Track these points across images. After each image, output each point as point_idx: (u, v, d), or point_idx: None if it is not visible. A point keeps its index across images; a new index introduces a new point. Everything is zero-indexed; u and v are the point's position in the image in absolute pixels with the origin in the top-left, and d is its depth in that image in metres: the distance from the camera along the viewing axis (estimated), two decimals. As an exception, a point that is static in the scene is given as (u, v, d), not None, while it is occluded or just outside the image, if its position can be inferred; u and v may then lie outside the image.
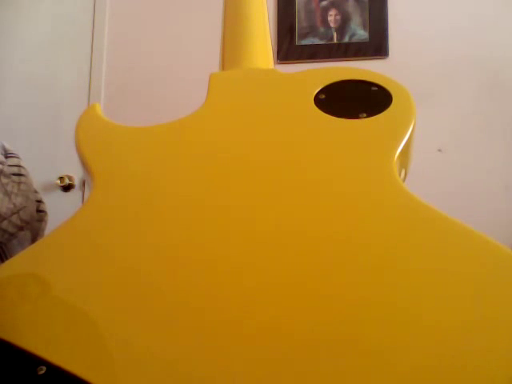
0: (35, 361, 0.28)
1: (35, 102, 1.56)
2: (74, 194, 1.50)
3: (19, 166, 0.53)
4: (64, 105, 1.55)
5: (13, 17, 1.61)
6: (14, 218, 0.50)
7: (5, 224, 0.49)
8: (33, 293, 0.34)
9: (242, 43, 0.54)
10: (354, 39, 1.47)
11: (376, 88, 0.44)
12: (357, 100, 0.44)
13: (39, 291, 0.34)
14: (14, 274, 0.35)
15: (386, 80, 0.45)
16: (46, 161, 1.49)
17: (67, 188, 1.49)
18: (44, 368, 0.28)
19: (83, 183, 1.49)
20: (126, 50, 1.57)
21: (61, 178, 1.47)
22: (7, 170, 0.51)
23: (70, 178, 1.49)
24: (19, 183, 0.51)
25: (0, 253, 0.49)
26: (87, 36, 1.58)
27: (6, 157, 0.53)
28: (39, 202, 0.56)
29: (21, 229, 0.51)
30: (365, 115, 0.42)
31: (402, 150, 0.39)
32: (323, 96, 0.45)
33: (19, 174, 0.53)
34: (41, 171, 1.45)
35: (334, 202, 0.36)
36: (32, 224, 0.53)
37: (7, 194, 0.49)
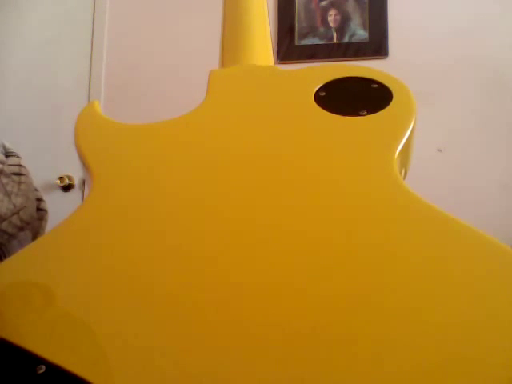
0: (34, 360, 0.28)
1: (35, 102, 1.56)
2: (74, 193, 1.50)
3: (19, 165, 0.53)
4: (64, 105, 1.56)
5: (13, 17, 1.61)
6: (14, 219, 0.49)
7: (5, 225, 0.48)
8: (34, 294, 0.34)
9: (241, 40, 0.54)
10: (354, 39, 1.47)
11: (376, 85, 0.44)
12: (357, 97, 0.44)
13: (40, 292, 0.34)
14: (15, 277, 0.35)
15: (387, 77, 0.45)
16: (46, 161, 1.49)
17: (67, 188, 1.49)
18: (43, 367, 0.28)
19: (83, 183, 1.49)
20: (126, 50, 1.58)
21: (61, 178, 1.47)
22: (7, 169, 0.51)
23: (69, 178, 1.49)
24: (19, 183, 0.51)
25: (0, 254, 0.49)
26: (87, 36, 1.58)
27: (7, 156, 0.53)
28: (39, 200, 0.56)
29: (21, 229, 0.50)
30: (365, 112, 0.42)
31: (403, 147, 0.39)
32: (323, 93, 0.45)
33: (19, 174, 0.52)
34: (41, 171, 1.45)
35: (334, 199, 0.36)
36: (32, 224, 0.52)
37: (7, 194, 0.49)
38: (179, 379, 0.27)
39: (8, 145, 0.55)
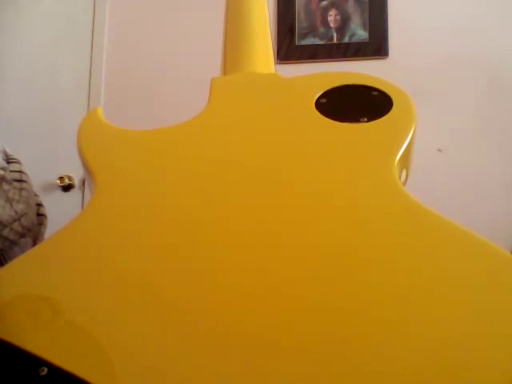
0: (37, 362, 0.29)
1: (35, 102, 1.56)
2: (74, 194, 1.50)
3: (20, 171, 0.53)
4: (64, 105, 1.55)
5: (13, 17, 1.61)
6: (16, 225, 0.49)
7: (6, 231, 0.48)
8: (36, 299, 0.34)
9: (243, 48, 0.54)
10: (354, 39, 1.47)
11: (377, 92, 0.44)
12: (358, 104, 0.44)
13: (42, 296, 0.34)
14: (16, 283, 0.35)
15: (387, 84, 0.45)
16: (46, 161, 1.49)
17: (67, 188, 1.49)
18: (46, 369, 0.28)
19: (83, 183, 1.49)
20: (126, 50, 1.57)
21: (61, 178, 1.47)
22: (9, 176, 0.51)
23: (69, 178, 1.49)
24: (20, 189, 0.51)
25: (1, 260, 0.49)
26: (87, 36, 1.58)
27: (8, 162, 0.53)
28: (39, 205, 0.56)
29: (22, 236, 0.50)
30: (366, 119, 0.42)
31: (403, 153, 0.39)
32: (324, 100, 0.45)
33: (20, 180, 0.52)
34: (41, 171, 1.45)
35: (334, 206, 0.36)
36: (33, 230, 0.52)
37: (8, 200, 0.49)
38: (180, 381, 0.28)
39: (9, 151, 0.55)
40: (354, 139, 0.41)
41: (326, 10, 1.50)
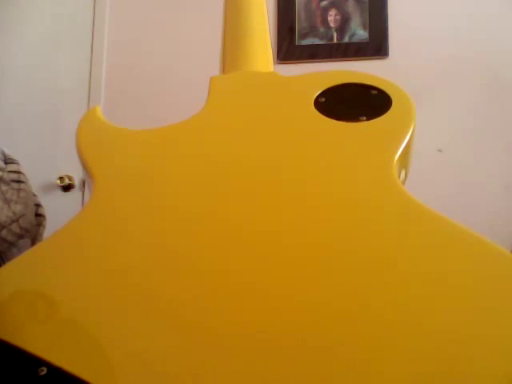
0: (36, 362, 0.29)
1: (35, 102, 1.56)
2: (74, 194, 1.50)
3: (19, 172, 0.53)
4: (64, 105, 1.56)
5: (13, 17, 1.61)
6: (14, 227, 0.49)
7: (4, 233, 0.48)
8: (35, 299, 0.34)
9: (242, 46, 0.54)
10: (354, 39, 1.47)
11: (376, 91, 0.44)
12: (357, 103, 0.44)
13: (40, 296, 0.34)
14: (15, 283, 0.35)
15: (386, 83, 0.45)
16: (46, 161, 1.49)
17: (67, 188, 1.49)
18: (45, 369, 0.28)
19: (83, 183, 1.49)
20: (127, 50, 1.57)
21: (61, 178, 1.47)
22: (7, 176, 0.50)
23: (69, 178, 1.49)
24: (19, 190, 0.51)
25: None
26: (87, 36, 1.58)
27: (6, 163, 0.52)
28: (37, 205, 0.55)
29: (20, 237, 0.50)
30: (365, 118, 0.42)
31: (402, 152, 0.39)
32: (323, 99, 0.45)
33: (19, 181, 0.52)
34: (41, 171, 1.45)
35: (333, 204, 0.36)
36: (32, 231, 0.52)
37: (6, 201, 0.48)
38: (179, 381, 0.28)
39: (7, 151, 0.54)
40: (352, 138, 0.41)
41: (326, 10, 1.50)
